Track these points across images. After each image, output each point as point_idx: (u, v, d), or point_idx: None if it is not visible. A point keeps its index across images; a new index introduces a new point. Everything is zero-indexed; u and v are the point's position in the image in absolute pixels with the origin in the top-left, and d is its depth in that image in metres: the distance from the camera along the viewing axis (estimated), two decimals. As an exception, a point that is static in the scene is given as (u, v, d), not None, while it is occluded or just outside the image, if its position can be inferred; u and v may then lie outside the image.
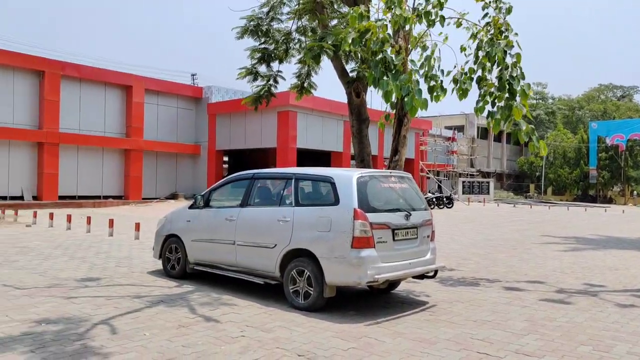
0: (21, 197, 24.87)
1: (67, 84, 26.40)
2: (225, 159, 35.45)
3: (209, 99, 31.98)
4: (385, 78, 6.71)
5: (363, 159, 9.04)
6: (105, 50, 78.46)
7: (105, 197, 27.88)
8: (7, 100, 24.61)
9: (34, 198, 25.22)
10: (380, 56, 6.87)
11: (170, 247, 8.26)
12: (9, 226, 15.86)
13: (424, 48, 7.53)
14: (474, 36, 7.52)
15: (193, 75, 42.37)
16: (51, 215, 16.53)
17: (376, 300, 7.04)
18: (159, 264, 8.85)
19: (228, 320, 5.78)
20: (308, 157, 31.60)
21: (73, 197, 26.51)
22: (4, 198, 24.26)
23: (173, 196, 30.53)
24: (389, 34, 7.15)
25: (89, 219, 14.96)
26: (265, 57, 9.62)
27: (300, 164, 28.32)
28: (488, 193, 40.74)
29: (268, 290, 7.11)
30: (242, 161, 35.92)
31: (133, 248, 11.45)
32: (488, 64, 7.25)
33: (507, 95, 7.10)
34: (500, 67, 7.13)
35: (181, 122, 31.85)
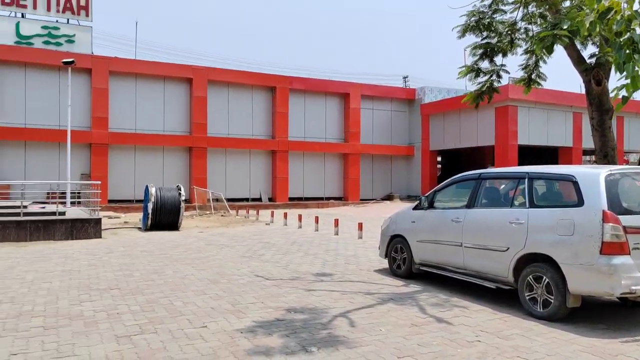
0: (259, 199, 28.37)
1: (294, 96, 29.27)
2: (439, 159, 35.12)
3: (421, 99, 32.12)
4: (632, 61, 5.81)
5: (606, 154, 8.00)
6: (322, 61, 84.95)
7: (327, 199, 30.07)
8: (247, 114, 28.36)
9: (270, 200, 28.52)
10: (625, 37, 5.99)
11: (396, 247, 8.47)
12: (253, 224, 18.18)
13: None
14: None
15: (405, 77, 43.04)
16: (285, 215, 18.45)
17: (630, 315, 6.15)
18: (384, 263, 9.16)
19: (460, 323, 5.67)
20: (529, 154, 29.40)
21: (300, 199, 29.24)
22: (247, 200, 27.98)
23: (388, 197, 31.41)
24: (636, 10, 6.19)
25: (316, 219, 16.28)
26: (488, 52, 9.20)
27: (520, 162, 26.49)
28: None
29: (499, 295, 6.78)
30: (456, 161, 35.17)
31: (358, 247, 12.07)
32: None
33: None
34: None
35: (395, 125, 32.61)
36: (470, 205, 7.15)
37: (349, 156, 30.21)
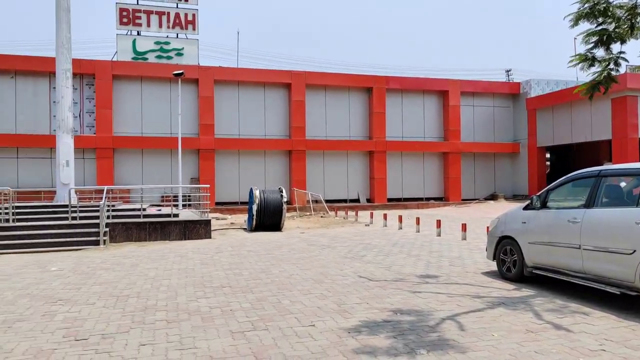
0: (357, 200, 28.47)
1: (391, 96, 29.05)
2: (547, 155, 33.04)
3: (527, 93, 30.44)
4: None
5: None
6: (420, 59, 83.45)
7: (427, 199, 29.46)
8: (344, 116, 28.60)
9: (368, 200, 28.52)
10: None
11: (505, 249, 8.09)
12: (352, 225, 18.27)
13: None
14: None
15: (507, 71, 41.02)
16: (385, 216, 18.34)
17: None
18: (492, 265, 8.79)
19: (581, 330, 5.28)
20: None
21: (399, 200, 28.93)
22: (345, 201, 28.21)
23: (492, 197, 30.12)
24: None
25: (417, 220, 16.00)
26: (604, 40, 8.47)
27: (641, 157, 24.19)
28: None
29: (624, 301, 6.24)
30: (566, 157, 32.90)
31: (462, 248, 11.69)
32: None
33: None
34: None
35: (498, 121, 31.21)
36: (589, 204, 6.64)
37: (449, 155, 29.38)
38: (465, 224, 13.89)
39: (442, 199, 29.73)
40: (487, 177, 31.07)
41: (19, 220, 13.78)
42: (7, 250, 12.15)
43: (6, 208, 13.69)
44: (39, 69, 23.85)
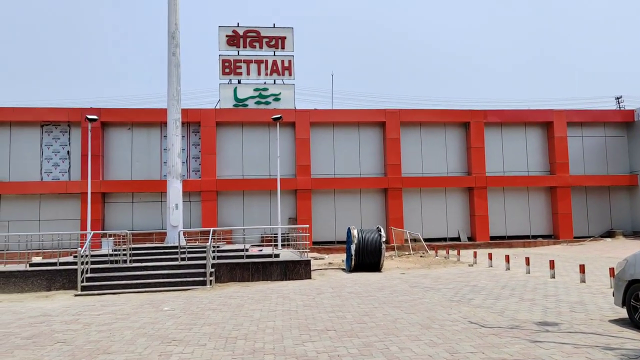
0: (458, 238, 27.37)
1: (489, 130, 28.05)
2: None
3: (643, 120, 28.01)
4: None
5: None
6: (520, 91, 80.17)
7: (534, 237, 27.66)
8: (441, 152, 27.97)
9: (469, 239, 27.32)
10: None
11: (637, 295, 7.26)
12: (455, 265, 17.49)
13: None
14: None
15: (618, 98, 38.10)
16: (490, 255, 17.39)
17: None
18: (620, 312, 7.93)
19: None
20: None
21: (503, 237, 27.41)
22: (444, 239, 27.25)
23: (609, 234, 27.63)
24: None
25: (527, 260, 14.97)
26: None
27: None
28: None
29: None
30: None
31: (582, 292, 10.69)
32: None
33: None
34: None
35: (611, 152, 28.90)
36: None
37: (557, 189, 27.52)
38: (582, 265, 12.75)
39: (551, 237, 27.75)
40: (602, 213, 28.60)
41: (134, 261, 14.72)
42: (125, 289, 12.98)
43: (124, 250, 14.70)
44: (152, 119, 25.91)
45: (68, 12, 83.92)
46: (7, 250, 15.94)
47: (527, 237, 27.65)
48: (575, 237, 27.20)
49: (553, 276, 13.20)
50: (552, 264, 13.54)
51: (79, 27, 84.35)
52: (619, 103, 38.22)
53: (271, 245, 16.89)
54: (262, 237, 24.71)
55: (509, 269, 15.41)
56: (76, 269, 13.38)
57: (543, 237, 27.73)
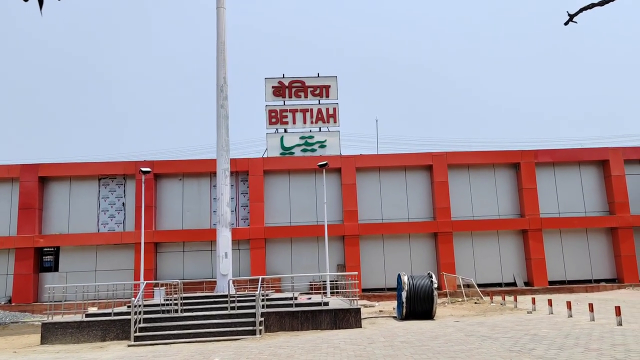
0: (514, 284, 26.23)
1: (541, 170, 27.26)
2: None
3: None
4: None
5: None
6: (572, 130, 78.11)
7: (597, 281, 26.19)
8: (491, 194, 27.29)
9: (525, 284, 26.14)
10: None
11: None
12: (512, 312, 16.70)
13: None
14: None
15: (677, 133, 36.50)
16: (549, 302, 16.52)
17: None
18: (702, 364, 7.26)
19: None
20: None
21: (563, 282, 26.10)
22: (499, 284, 26.18)
23: (679, 277, 25.83)
24: None
25: (590, 306, 14.12)
26: None
27: None
28: None
29: None
30: None
31: (655, 341, 9.92)
32: None
33: None
34: None
35: (674, 190, 27.40)
36: None
37: (619, 230, 26.15)
38: (653, 311, 11.90)
39: (615, 281, 26.18)
40: (669, 254, 26.87)
41: (185, 310, 14.85)
42: (177, 339, 13.05)
43: (175, 299, 14.89)
44: (201, 170, 26.69)
45: (119, 69, 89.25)
46: (65, 300, 16.44)
47: (589, 281, 26.21)
48: (641, 281, 25.57)
49: (620, 323, 12.35)
50: (618, 310, 12.70)
51: (132, 82, 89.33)
52: (679, 138, 36.50)
53: (320, 293, 16.70)
54: (310, 285, 24.51)
55: (571, 316, 14.57)
56: (129, 319, 13.60)
57: (606, 281, 26.22)
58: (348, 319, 14.35)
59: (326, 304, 15.04)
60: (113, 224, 26.63)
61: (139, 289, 15.02)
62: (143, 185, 23.71)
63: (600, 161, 27.33)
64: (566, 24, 7.21)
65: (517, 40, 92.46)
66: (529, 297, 20.00)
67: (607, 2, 7.42)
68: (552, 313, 15.62)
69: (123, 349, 12.45)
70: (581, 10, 7.34)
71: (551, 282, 25.83)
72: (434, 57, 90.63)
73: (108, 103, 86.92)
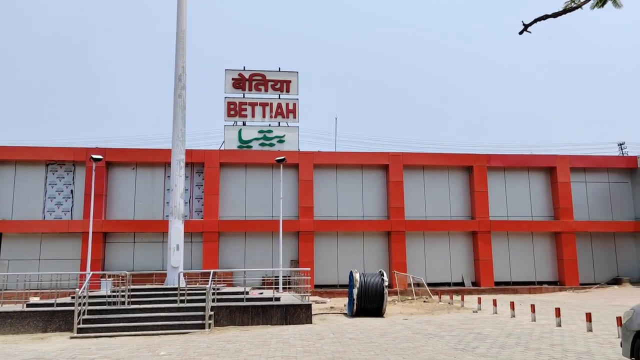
0: (462, 283, 26.95)
1: (492, 174, 28.09)
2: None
3: (646, 167, 28.01)
4: None
5: None
6: (522, 137, 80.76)
7: (540, 283, 27.23)
8: (444, 196, 27.92)
9: (473, 284, 26.90)
10: None
11: (646, 346, 7.03)
12: (459, 311, 17.15)
13: None
14: None
15: (621, 144, 38.30)
16: (494, 302, 17.06)
17: None
18: (631, 364, 7.65)
19: None
20: None
21: (507, 283, 27.00)
22: (448, 284, 26.83)
23: (615, 281, 27.19)
24: None
25: (532, 307, 14.67)
26: None
27: None
28: None
29: None
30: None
31: (589, 341, 10.41)
32: None
33: None
34: None
35: (615, 198, 28.77)
36: None
37: (562, 235, 27.27)
38: (589, 313, 12.47)
39: (557, 283, 27.31)
40: (608, 259, 28.23)
41: (133, 302, 14.50)
42: (121, 332, 12.72)
43: (123, 290, 14.51)
44: (156, 160, 26.07)
45: (75, 52, 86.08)
46: (6, 289, 15.77)
47: (533, 283, 27.22)
48: (581, 284, 26.76)
49: (559, 324, 12.89)
50: (558, 312, 13.26)
51: (84, 67, 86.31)
52: (622, 149, 38.40)
53: (272, 288, 16.65)
54: (263, 280, 24.41)
55: (514, 316, 15.10)
56: (73, 310, 13.17)
57: (548, 283, 27.30)
58: (299, 314, 14.38)
59: (277, 299, 15.01)
60: (60, 211, 25.68)
61: (84, 280, 14.56)
62: (94, 173, 22.97)
63: (548, 168, 28.40)
64: (520, 33, 7.44)
65: (479, 41, 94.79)
66: (475, 297, 20.59)
67: (561, 14, 7.69)
68: (496, 313, 16.14)
69: (65, 340, 12.05)
70: (535, 20, 7.58)
71: (497, 283, 26.68)
72: (397, 56, 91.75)
73: (61, 87, 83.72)
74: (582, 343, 10.24)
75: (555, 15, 7.90)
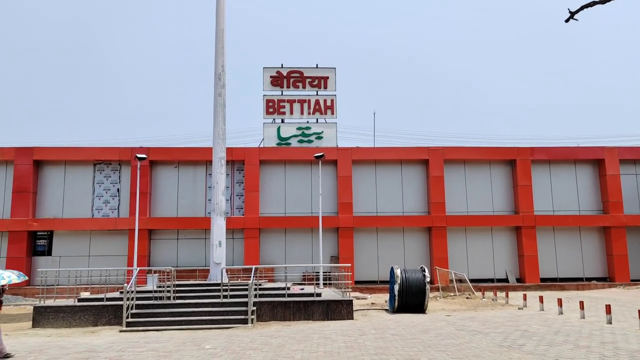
0: (506, 280, 26.37)
1: (537, 168, 27.32)
2: None
3: (701, 157, 26.64)
4: None
5: None
6: (569, 128, 78.08)
7: (588, 279, 26.35)
8: (486, 190, 27.36)
9: (517, 280, 26.28)
10: None
11: None
12: (503, 308, 16.79)
13: None
14: None
15: (673, 134, 36.60)
16: (541, 298, 16.62)
17: None
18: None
19: None
20: None
21: (554, 279, 26.26)
22: (491, 280, 26.31)
23: (669, 277, 26.03)
24: None
25: (581, 304, 14.21)
26: None
27: None
28: None
29: None
30: None
31: (643, 340, 10.01)
32: None
33: None
34: None
35: (668, 190, 27.54)
36: None
37: (612, 230, 26.29)
38: (642, 311, 11.99)
39: (606, 280, 26.36)
40: (661, 254, 27.05)
41: (178, 297, 14.86)
42: (169, 326, 13.07)
43: (168, 286, 14.88)
44: (197, 158, 26.61)
45: (117, 55, 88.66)
46: (58, 285, 16.40)
47: (581, 279, 26.37)
48: (632, 280, 25.77)
49: (610, 322, 12.45)
50: (608, 309, 12.79)
51: (128, 68, 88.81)
52: (675, 139, 36.61)
53: (313, 284, 16.72)
54: (303, 276, 24.56)
55: (561, 313, 14.66)
56: (122, 305, 13.60)
57: (597, 279, 26.39)
58: (340, 310, 14.39)
59: (319, 294, 15.07)
60: (107, 209, 26.56)
61: (132, 275, 15.01)
62: (138, 171, 23.62)
63: (596, 160, 27.42)
64: (567, 21, 7.19)
65: (518, 36, 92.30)
66: (520, 294, 20.10)
67: (608, 0, 7.39)
68: (542, 310, 15.72)
69: (115, 334, 12.46)
70: (582, 7, 7.31)
71: (543, 279, 25.98)
72: (435, 51, 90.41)
73: (106, 89, 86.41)
74: (634, 341, 9.86)
75: (603, 1, 7.59)
